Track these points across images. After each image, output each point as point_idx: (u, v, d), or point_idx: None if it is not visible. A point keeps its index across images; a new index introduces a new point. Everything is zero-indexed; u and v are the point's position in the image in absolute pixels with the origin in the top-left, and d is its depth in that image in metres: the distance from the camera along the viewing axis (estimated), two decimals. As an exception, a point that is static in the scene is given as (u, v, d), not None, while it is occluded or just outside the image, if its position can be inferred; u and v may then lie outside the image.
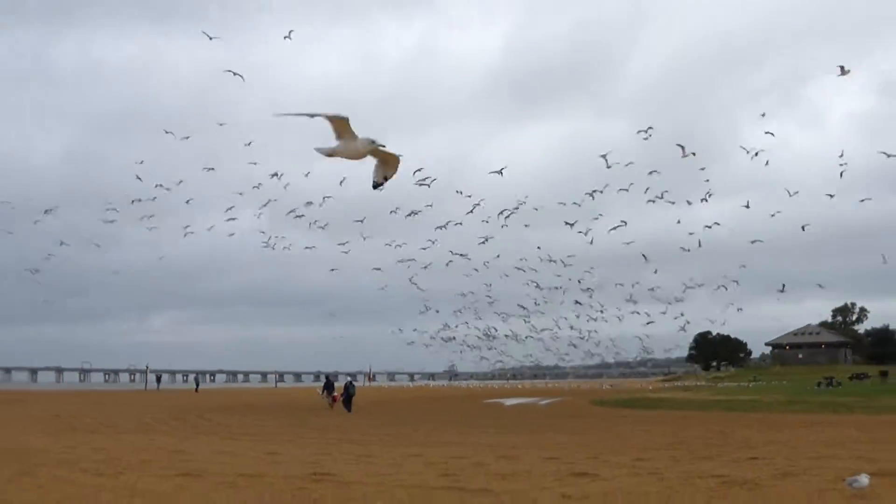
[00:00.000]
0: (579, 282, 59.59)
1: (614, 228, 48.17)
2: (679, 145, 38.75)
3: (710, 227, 52.19)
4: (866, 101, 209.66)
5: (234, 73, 35.96)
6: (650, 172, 45.53)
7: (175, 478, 13.27)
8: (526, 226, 52.96)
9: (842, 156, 44.40)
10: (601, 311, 64.95)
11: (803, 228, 48.33)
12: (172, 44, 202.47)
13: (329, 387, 45.18)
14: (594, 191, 47.54)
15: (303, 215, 48.59)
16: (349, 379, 45.51)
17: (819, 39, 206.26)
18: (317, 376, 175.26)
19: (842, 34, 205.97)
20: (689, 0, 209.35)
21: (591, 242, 51.51)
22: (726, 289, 57.18)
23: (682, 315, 64.98)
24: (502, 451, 18.54)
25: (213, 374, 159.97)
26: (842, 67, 32.90)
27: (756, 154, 43.38)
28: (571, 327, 67.12)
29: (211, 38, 37.21)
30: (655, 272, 60.48)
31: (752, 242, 52.84)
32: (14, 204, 49.08)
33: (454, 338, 69.08)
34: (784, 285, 56.05)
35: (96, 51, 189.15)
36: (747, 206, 48.95)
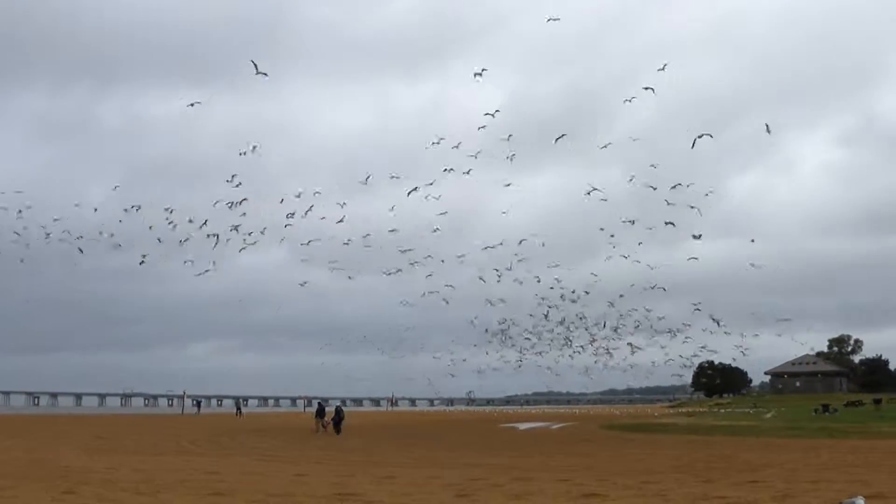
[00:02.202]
0: (580, 318, 60.02)
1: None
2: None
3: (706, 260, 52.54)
4: (834, 151, 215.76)
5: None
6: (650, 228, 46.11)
7: (209, 496, 13.23)
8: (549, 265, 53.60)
9: None
10: (612, 340, 64.99)
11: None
12: (208, 100, 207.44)
13: (321, 412, 44.83)
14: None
15: (336, 262, 49.50)
16: (338, 404, 45.24)
17: (791, 96, 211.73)
18: (343, 401, 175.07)
19: (809, 91, 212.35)
20: (673, 60, 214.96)
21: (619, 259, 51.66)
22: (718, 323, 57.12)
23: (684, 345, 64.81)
24: (516, 472, 18.41)
25: (245, 399, 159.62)
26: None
27: None
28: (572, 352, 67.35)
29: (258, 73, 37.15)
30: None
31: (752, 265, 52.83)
32: (62, 242, 49.52)
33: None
34: None
35: (139, 106, 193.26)
36: (752, 241, 48.42)
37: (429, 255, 51.15)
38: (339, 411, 42.05)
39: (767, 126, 39.43)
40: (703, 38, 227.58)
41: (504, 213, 48.85)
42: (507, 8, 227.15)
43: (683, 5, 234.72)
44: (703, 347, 60.70)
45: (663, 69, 40.37)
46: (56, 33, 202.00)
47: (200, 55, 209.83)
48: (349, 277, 55.08)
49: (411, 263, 52.75)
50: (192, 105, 38.01)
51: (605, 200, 44.09)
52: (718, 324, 54.05)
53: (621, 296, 57.12)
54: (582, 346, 64.86)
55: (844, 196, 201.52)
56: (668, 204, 43.45)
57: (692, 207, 42.86)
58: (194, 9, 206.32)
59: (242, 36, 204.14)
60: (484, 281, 55.54)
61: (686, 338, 60.94)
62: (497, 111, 42.62)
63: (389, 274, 53.15)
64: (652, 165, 43.16)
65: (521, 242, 51.05)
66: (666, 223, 44.27)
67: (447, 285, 55.03)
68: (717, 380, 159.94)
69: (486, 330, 61.28)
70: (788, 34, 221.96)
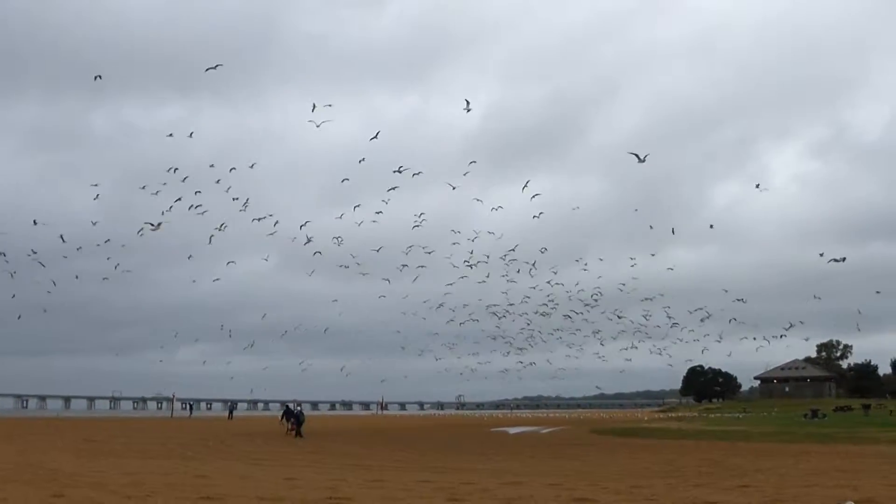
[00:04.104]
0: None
1: None
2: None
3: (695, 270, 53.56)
4: (808, 162, 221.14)
5: None
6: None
7: (198, 501, 13.16)
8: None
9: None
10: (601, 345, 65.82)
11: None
12: (197, 110, 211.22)
13: (289, 414, 44.67)
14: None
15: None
16: (299, 408, 45.36)
17: (767, 106, 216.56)
18: (332, 405, 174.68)
19: (786, 103, 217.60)
20: (652, 71, 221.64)
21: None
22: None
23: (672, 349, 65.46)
24: (507, 477, 18.39)
25: (235, 402, 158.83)
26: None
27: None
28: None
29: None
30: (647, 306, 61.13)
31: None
32: (53, 248, 49.81)
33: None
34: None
35: (128, 116, 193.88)
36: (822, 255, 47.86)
37: (421, 265, 51.87)
38: (299, 415, 42.18)
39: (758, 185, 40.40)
40: (685, 50, 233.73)
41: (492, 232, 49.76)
42: (491, 20, 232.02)
43: (666, 18, 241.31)
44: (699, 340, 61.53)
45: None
46: (48, 45, 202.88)
47: (191, 67, 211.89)
48: (353, 279, 55.71)
49: (400, 268, 53.33)
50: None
51: (585, 209, 44.61)
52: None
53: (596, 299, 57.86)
54: (568, 348, 65.70)
55: (820, 206, 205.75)
56: (651, 212, 43.99)
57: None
58: (185, 21, 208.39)
59: (232, 48, 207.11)
60: (448, 309, 56.24)
61: (674, 342, 61.69)
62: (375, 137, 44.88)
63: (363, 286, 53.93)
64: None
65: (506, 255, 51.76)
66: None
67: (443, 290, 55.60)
68: (707, 385, 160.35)
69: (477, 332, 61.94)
70: (766, 48, 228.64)
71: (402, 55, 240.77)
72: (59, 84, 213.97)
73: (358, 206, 48.69)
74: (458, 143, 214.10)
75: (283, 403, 51.16)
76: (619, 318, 63.45)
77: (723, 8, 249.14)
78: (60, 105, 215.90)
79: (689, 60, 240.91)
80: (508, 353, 69.40)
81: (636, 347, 69.08)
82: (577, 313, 62.16)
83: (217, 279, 57.73)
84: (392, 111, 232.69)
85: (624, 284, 57.82)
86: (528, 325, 63.38)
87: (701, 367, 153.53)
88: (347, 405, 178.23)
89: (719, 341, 65.31)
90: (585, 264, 55.65)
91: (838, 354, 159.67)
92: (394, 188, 47.15)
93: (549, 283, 57.71)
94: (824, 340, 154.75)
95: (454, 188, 47.73)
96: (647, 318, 64.25)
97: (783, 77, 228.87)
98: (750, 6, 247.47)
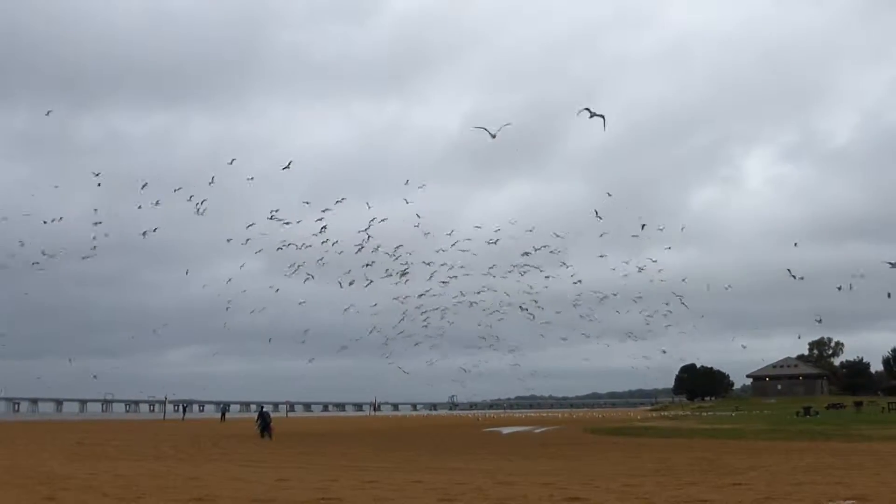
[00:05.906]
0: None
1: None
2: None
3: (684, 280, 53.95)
4: (780, 166, 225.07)
5: None
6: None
7: (190, 502, 13.13)
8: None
9: None
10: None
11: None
12: (183, 118, 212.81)
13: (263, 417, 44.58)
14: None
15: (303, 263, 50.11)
16: (266, 410, 45.31)
17: (739, 112, 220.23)
18: (325, 406, 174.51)
19: (757, 109, 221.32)
20: (626, 79, 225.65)
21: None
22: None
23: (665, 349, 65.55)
24: (500, 476, 18.38)
25: (227, 404, 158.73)
26: None
27: None
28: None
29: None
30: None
31: (726, 288, 54.26)
32: (42, 252, 49.72)
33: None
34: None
35: (116, 123, 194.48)
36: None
37: (408, 268, 52.05)
38: (265, 416, 42.19)
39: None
40: (659, 59, 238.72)
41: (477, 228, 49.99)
42: (470, 31, 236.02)
43: (639, 28, 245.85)
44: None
45: None
46: (37, 54, 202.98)
47: (177, 76, 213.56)
48: (340, 284, 55.79)
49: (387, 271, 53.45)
50: None
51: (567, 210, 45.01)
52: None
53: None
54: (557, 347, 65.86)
55: (794, 208, 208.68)
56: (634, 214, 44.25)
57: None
58: (172, 31, 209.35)
59: (217, 57, 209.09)
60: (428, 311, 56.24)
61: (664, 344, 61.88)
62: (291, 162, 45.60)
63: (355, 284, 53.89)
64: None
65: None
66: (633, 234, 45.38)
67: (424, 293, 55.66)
68: (700, 383, 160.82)
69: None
70: (737, 56, 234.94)
71: (384, 64, 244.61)
72: (48, 92, 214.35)
73: (345, 208, 48.73)
74: (440, 149, 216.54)
75: (260, 406, 51.07)
76: (607, 318, 63.44)
77: (695, 17, 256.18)
78: (47, 110, 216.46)
79: (663, 68, 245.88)
80: (501, 353, 69.24)
81: (627, 347, 69.10)
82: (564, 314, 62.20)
83: (205, 284, 57.91)
84: (374, 119, 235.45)
85: (619, 285, 57.83)
86: (517, 324, 63.32)
87: (693, 365, 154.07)
88: (340, 406, 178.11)
89: (703, 336, 65.66)
90: (569, 266, 55.44)
91: (830, 352, 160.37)
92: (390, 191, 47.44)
93: (531, 286, 57.72)
94: (816, 338, 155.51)
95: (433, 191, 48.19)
96: (632, 317, 64.35)
97: (754, 84, 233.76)
98: (721, 16, 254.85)
